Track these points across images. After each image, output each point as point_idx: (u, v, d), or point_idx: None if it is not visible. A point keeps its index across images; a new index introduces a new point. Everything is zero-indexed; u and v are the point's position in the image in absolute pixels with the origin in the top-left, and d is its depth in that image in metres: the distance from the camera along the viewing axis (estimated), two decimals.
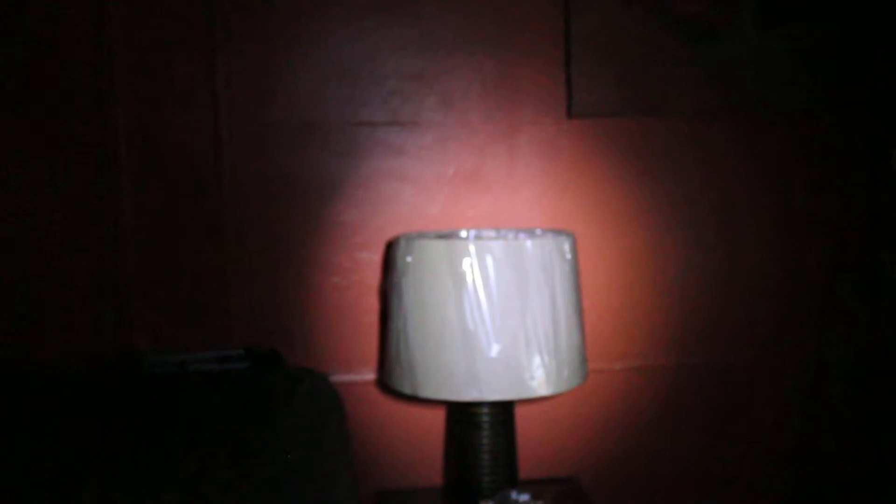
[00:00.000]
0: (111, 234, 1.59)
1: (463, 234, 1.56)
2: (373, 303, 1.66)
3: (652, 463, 1.77)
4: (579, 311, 1.42)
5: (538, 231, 1.54)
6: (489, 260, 1.31)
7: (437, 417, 1.69)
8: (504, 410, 1.44)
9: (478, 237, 1.55)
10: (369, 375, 1.67)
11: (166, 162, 1.60)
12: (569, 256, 1.38)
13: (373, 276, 1.65)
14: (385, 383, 1.45)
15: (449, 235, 1.54)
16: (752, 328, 1.77)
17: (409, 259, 1.36)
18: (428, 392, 1.36)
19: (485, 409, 1.42)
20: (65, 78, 1.56)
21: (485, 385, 1.32)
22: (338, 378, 1.61)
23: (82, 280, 1.59)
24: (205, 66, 1.59)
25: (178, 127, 1.60)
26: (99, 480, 1.02)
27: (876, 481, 1.79)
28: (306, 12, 1.61)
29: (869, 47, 1.72)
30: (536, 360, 1.33)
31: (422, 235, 1.49)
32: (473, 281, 1.31)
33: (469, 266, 1.31)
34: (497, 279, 1.31)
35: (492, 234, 1.57)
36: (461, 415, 1.45)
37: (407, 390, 1.39)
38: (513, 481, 1.46)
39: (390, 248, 1.47)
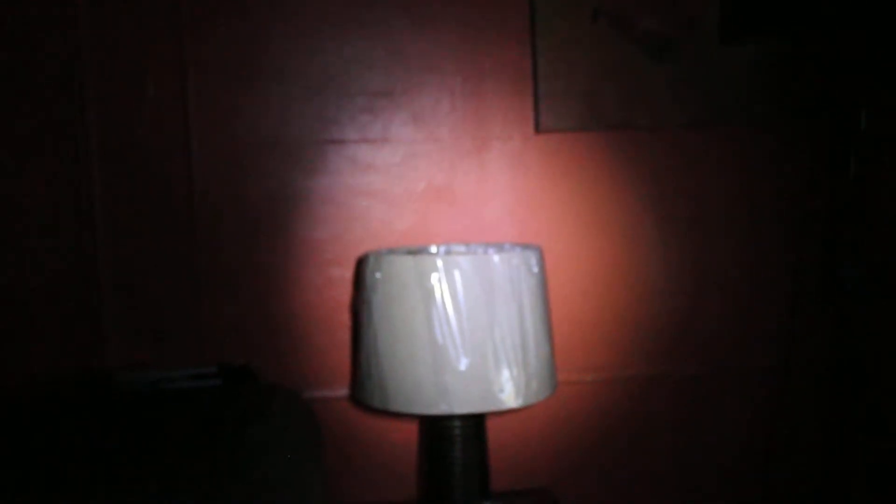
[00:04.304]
0: (83, 250, 1.59)
1: (433, 249, 1.58)
2: (344, 318, 1.67)
3: (624, 472, 1.79)
4: (548, 323, 1.44)
5: (506, 245, 1.56)
6: (457, 275, 1.32)
7: (410, 431, 1.71)
8: (475, 423, 1.45)
9: (447, 252, 1.57)
10: (342, 391, 1.68)
11: (139, 178, 1.61)
12: (536, 270, 1.40)
13: (344, 292, 1.67)
14: (357, 398, 1.46)
15: (419, 251, 1.56)
16: (720, 336, 1.80)
17: (378, 275, 1.37)
18: (399, 406, 1.37)
19: (456, 423, 1.43)
20: (35, 95, 1.57)
21: (455, 398, 1.34)
22: (311, 394, 1.62)
23: (53, 296, 1.59)
24: (177, 81, 1.60)
25: (150, 144, 1.61)
26: (69, 501, 1.02)
27: (845, 485, 1.82)
28: (276, 29, 1.63)
29: (828, 60, 1.76)
30: (505, 373, 1.35)
31: (391, 251, 1.51)
32: (442, 296, 1.32)
33: (437, 281, 1.32)
34: (465, 294, 1.33)
35: (461, 248, 1.59)
36: (433, 428, 1.47)
37: (378, 405, 1.40)
38: (485, 493, 1.47)
39: (360, 265, 1.49)
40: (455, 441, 1.44)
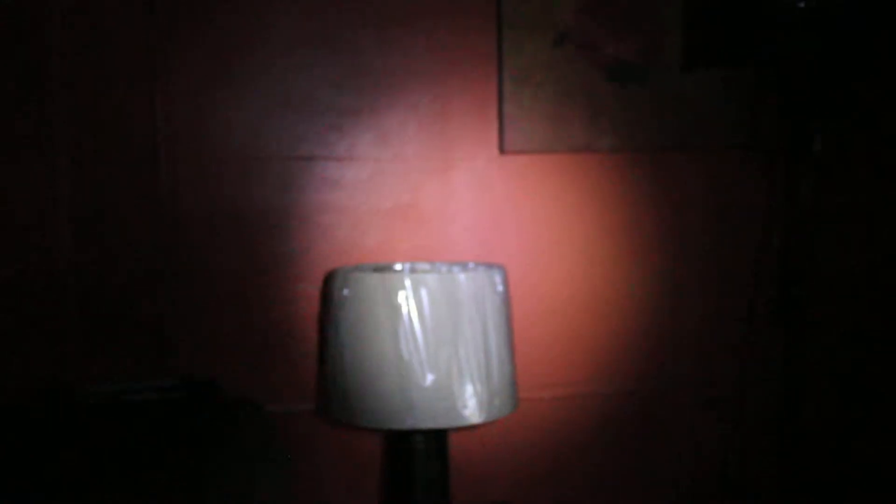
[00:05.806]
0: (48, 261, 1.59)
1: (398, 266, 1.60)
2: (311, 333, 1.69)
3: (582, 487, 1.82)
4: (511, 341, 1.47)
5: (471, 264, 1.58)
6: (424, 293, 1.35)
7: (375, 445, 1.72)
8: (438, 438, 1.47)
9: (412, 270, 1.60)
10: (308, 405, 1.70)
11: (106, 194, 1.61)
12: (500, 289, 1.43)
13: (311, 308, 1.68)
14: (323, 412, 1.47)
15: (384, 268, 1.58)
16: (680, 353, 1.85)
17: (345, 292, 1.40)
18: (363, 421, 1.39)
19: (419, 437, 1.45)
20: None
21: (419, 413, 1.36)
22: (276, 408, 1.62)
23: (15, 307, 1.58)
24: (146, 93, 1.60)
25: (119, 160, 1.60)
26: None
27: (803, 498, 1.86)
28: (245, 45, 1.64)
29: (784, 87, 1.82)
30: (469, 390, 1.38)
31: (358, 268, 1.53)
32: (408, 313, 1.35)
33: (404, 299, 1.35)
34: (431, 311, 1.36)
35: (426, 266, 1.61)
36: (397, 443, 1.49)
37: (343, 419, 1.42)
38: None
39: (328, 281, 1.51)
40: (418, 455, 1.46)
